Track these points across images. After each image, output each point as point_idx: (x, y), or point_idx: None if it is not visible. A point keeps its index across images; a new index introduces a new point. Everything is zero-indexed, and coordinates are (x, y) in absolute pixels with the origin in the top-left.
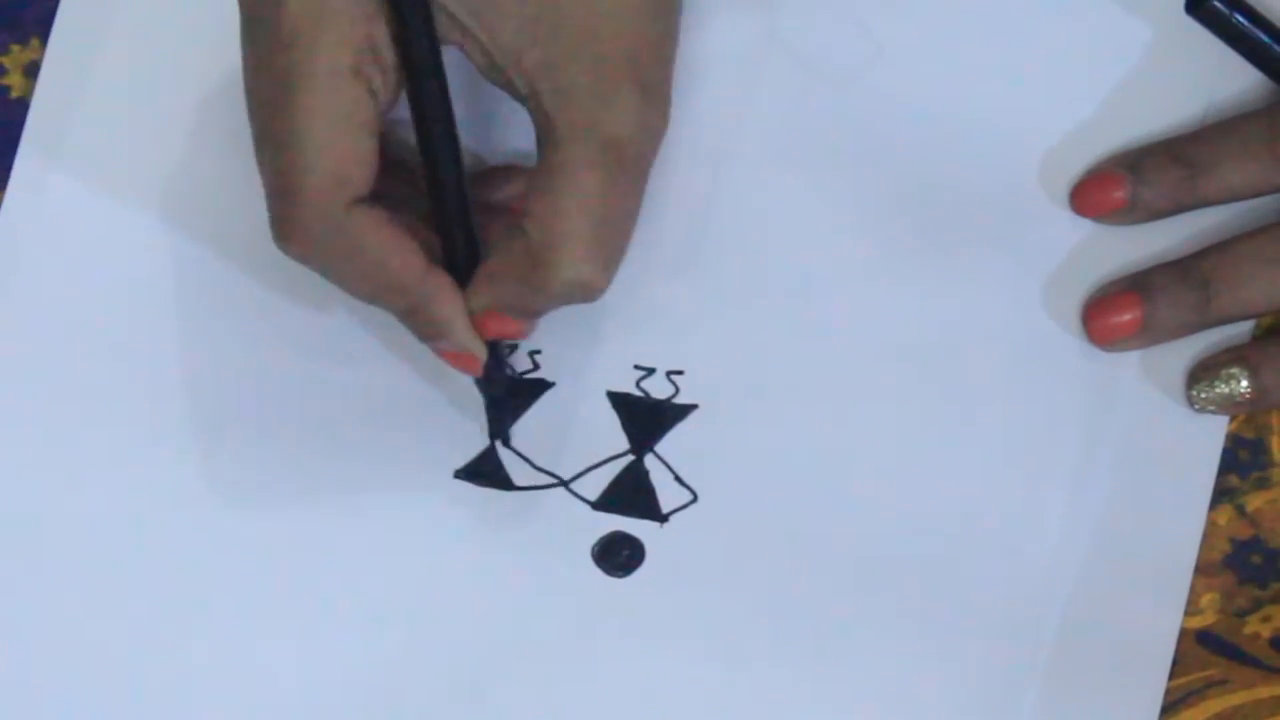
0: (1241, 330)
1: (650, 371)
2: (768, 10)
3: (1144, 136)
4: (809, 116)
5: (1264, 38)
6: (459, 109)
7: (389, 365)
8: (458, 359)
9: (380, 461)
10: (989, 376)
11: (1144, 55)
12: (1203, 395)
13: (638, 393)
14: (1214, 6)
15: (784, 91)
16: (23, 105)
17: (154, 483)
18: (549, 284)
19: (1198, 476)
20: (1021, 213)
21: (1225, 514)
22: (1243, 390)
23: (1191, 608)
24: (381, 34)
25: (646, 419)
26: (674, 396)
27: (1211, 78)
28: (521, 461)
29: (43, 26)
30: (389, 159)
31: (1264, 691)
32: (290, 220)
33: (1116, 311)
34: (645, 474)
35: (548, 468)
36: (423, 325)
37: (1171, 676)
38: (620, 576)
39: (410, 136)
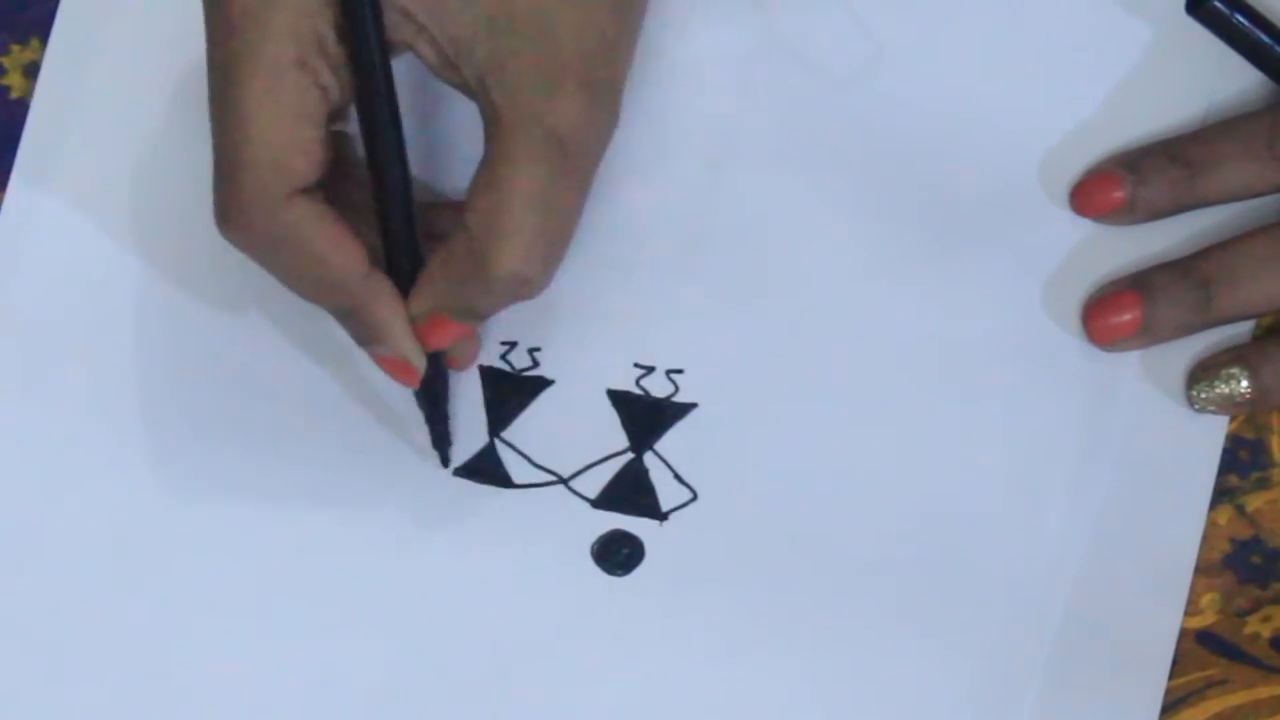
0: (1241, 330)
1: (650, 370)
2: (766, 10)
3: (1144, 136)
4: (809, 116)
5: (1264, 38)
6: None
7: None
8: (395, 367)
9: (379, 459)
10: (989, 376)
11: (1144, 55)
12: (1203, 395)
13: (637, 391)
14: (1214, 6)
15: (783, 91)
16: (23, 105)
17: (154, 483)
18: (489, 278)
19: (1198, 476)
20: (1021, 213)
21: (1225, 514)
22: (1243, 390)
23: (1191, 608)
24: (329, 29)
25: (646, 417)
26: (674, 395)
27: (1211, 78)
28: (521, 459)
29: (43, 26)
30: (347, 165)
31: (1264, 691)
32: (229, 205)
33: (1116, 311)
34: (645, 472)
35: (547, 465)
36: (361, 328)
37: (1171, 676)
38: (619, 575)
39: None
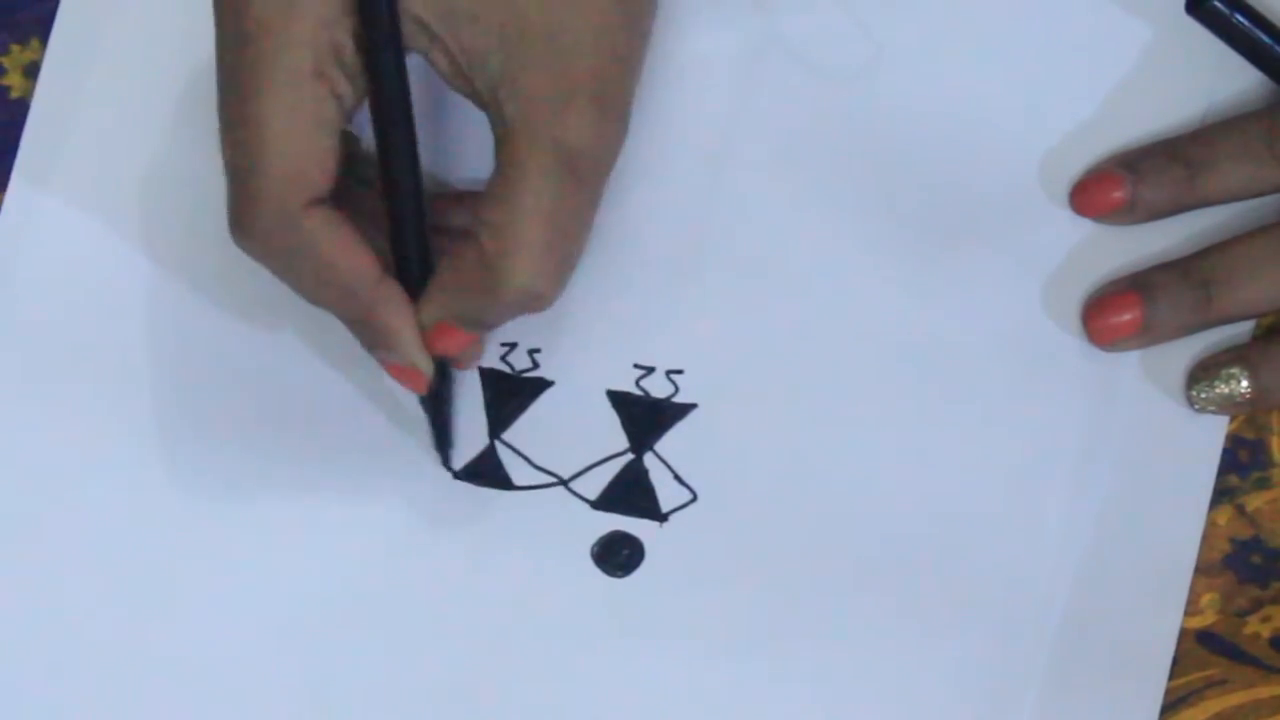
0: (1241, 330)
1: (650, 370)
2: (766, 10)
3: (1144, 136)
4: (808, 117)
5: (1264, 38)
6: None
7: None
8: (403, 374)
9: (380, 461)
10: (989, 377)
11: (1144, 55)
12: (1203, 395)
13: (637, 392)
14: (1214, 6)
15: (783, 92)
16: (23, 105)
17: (154, 484)
18: (500, 291)
19: (1198, 476)
20: (1021, 213)
21: (1225, 514)
22: (1243, 390)
23: (1191, 608)
24: (347, 38)
25: (646, 418)
26: (674, 396)
27: (1211, 78)
28: (521, 460)
29: (43, 26)
30: (354, 162)
31: (1264, 691)
32: (245, 215)
33: (1116, 311)
34: (645, 473)
35: (547, 467)
36: (370, 335)
37: (1171, 676)
38: (620, 576)
39: None
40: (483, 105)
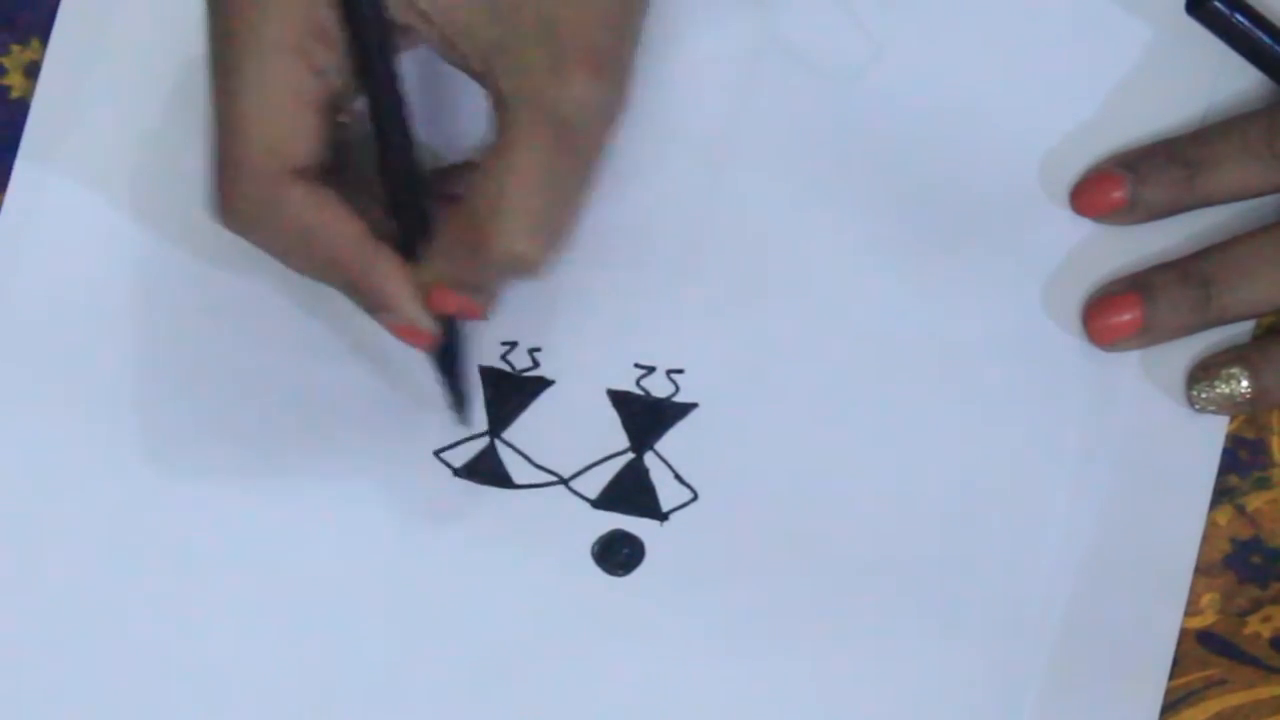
0: (1241, 330)
1: (650, 370)
2: (766, 10)
3: (1144, 136)
4: (808, 116)
5: (1264, 38)
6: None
7: (388, 362)
8: (407, 333)
9: (379, 460)
10: (989, 376)
11: (1144, 55)
12: (1203, 395)
13: (638, 391)
14: (1214, 6)
15: (783, 91)
16: (23, 105)
17: (154, 483)
18: (489, 255)
19: (1198, 476)
20: (1021, 213)
21: (1225, 514)
22: (1243, 390)
23: (1191, 608)
24: (329, 14)
25: (646, 417)
26: (674, 395)
27: (1211, 78)
28: (521, 459)
29: (43, 26)
30: (359, 158)
31: (1264, 691)
32: (226, 193)
33: (1116, 311)
34: (645, 472)
35: (547, 465)
36: (368, 299)
37: (1171, 676)
38: (620, 575)
39: None
40: (477, 77)
